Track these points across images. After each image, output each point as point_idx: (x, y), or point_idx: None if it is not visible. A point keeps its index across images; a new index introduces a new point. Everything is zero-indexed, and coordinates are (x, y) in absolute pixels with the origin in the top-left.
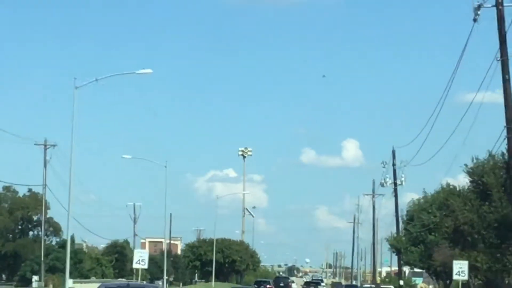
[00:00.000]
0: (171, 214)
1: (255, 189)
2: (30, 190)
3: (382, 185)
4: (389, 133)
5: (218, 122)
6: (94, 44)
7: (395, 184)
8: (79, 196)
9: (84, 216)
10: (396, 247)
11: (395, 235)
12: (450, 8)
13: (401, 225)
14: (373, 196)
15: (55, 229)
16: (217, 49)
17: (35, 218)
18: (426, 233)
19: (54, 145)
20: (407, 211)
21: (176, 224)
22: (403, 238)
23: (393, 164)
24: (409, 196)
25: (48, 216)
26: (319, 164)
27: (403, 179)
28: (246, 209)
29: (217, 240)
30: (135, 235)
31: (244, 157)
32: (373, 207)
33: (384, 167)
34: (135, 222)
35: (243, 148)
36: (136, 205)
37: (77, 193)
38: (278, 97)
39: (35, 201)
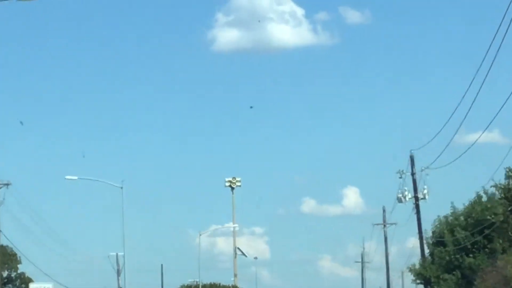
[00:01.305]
0: (162, 265)
1: (257, 242)
2: None
3: (399, 200)
4: (389, 178)
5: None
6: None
7: (416, 198)
8: (49, 244)
9: (60, 270)
10: (424, 277)
11: (421, 262)
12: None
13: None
14: (384, 226)
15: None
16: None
17: (4, 274)
18: (463, 255)
19: (7, 184)
20: (433, 232)
21: (175, 279)
22: (432, 265)
23: (412, 174)
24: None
25: (19, 271)
26: (320, 213)
27: (425, 191)
28: (238, 248)
29: (204, 286)
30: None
31: (232, 188)
32: (385, 238)
33: (401, 177)
34: (118, 274)
35: (230, 178)
36: (119, 255)
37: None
38: (276, 148)
39: (3, 255)
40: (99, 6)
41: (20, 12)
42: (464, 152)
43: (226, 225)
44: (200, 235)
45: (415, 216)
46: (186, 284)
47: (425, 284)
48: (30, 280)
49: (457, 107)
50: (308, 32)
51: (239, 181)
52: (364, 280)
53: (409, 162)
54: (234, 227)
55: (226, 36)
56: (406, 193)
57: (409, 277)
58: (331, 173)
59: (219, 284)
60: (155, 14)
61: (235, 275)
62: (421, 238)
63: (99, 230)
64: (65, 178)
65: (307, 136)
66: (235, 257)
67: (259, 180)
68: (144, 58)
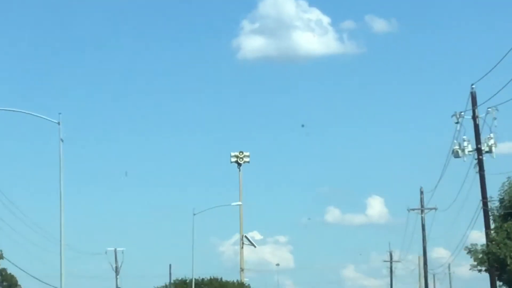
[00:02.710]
0: (170, 265)
1: (281, 251)
2: None
3: (455, 154)
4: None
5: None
6: None
7: (479, 151)
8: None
9: (46, 265)
10: (497, 258)
11: (494, 237)
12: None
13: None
14: (422, 212)
15: (11, 283)
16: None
17: None
18: None
19: None
20: (500, 201)
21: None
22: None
23: (474, 117)
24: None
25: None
26: (344, 222)
27: (491, 142)
28: (245, 236)
29: (203, 281)
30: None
31: (239, 164)
32: (423, 226)
33: (457, 122)
34: (117, 272)
35: (237, 153)
36: (118, 250)
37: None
38: (301, 156)
39: None
40: (125, 16)
41: None
42: None
43: (250, 233)
44: (194, 215)
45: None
46: (180, 278)
47: (498, 268)
48: (12, 277)
49: None
50: (334, 40)
51: (247, 156)
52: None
53: (469, 99)
54: (239, 205)
55: (252, 44)
56: (466, 144)
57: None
58: (355, 182)
59: (220, 278)
60: (181, 23)
61: (242, 270)
62: (485, 204)
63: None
64: None
65: (332, 144)
66: (242, 247)
67: (284, 189)
68: (169, 65)
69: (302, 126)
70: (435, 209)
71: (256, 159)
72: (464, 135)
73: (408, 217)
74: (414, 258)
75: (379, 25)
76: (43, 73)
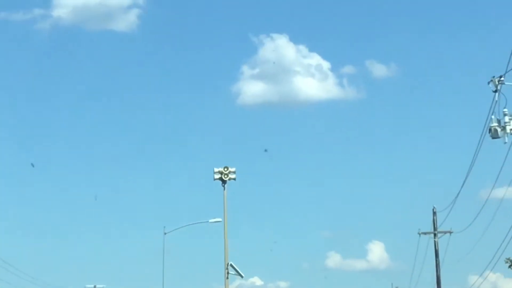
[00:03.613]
0: None
1: None
2: None
3: (493, 135)
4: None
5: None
6: None
7: None
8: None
9: None
10: None
11: None
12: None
13: None
14: (435, 236)
15: None
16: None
17: None
18: None
19: None
20: None
21: None
22: None
23: None
24: None
25: None
26: (345, 267)
27: None
28: (231, 265)
29: None
30: None
31: (223, 181)
32: (436, 252)
33: (495, 90)
34: None
35: (221, 169)
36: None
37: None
38: (301, 200)
39: None
40: (124, 60)
41: None
42: None
43: (250, 279)
44: (165, 234)
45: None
46: None
47: None
48: None
49: None
50: (334, 86)
51: (233, 172)
52: None
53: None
54: (218, 221)
55: (252, 89)
56: (507, 119)
57: None
58: (356, 227)
59: None
60: (179, 67)
61: None
62: None
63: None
64: None
65: (332, 190)
66: (227, 277)
67: (287, 236)
68: (167, 111)
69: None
70: (450, 232)
71: (256, 207)
72: (505, 107)
73: (419, 244)
74: None
75: (379, 70)
76: None
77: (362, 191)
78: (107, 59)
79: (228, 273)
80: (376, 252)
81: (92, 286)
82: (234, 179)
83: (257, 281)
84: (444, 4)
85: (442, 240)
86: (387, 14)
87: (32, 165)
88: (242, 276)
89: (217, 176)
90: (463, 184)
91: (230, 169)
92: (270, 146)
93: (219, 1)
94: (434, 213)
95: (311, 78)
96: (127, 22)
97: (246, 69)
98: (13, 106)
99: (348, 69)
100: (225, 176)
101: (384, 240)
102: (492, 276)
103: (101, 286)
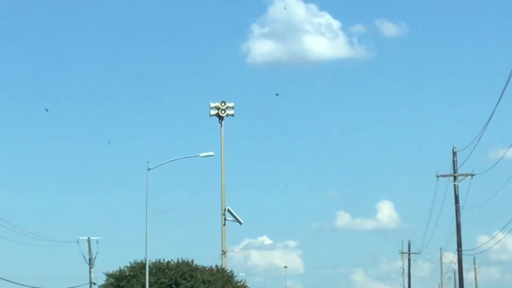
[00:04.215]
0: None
1: (291, 256)
2: None
3: None
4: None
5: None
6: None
7: None
8: None
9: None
10: None
11: None
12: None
13: None
14: (455, 178)
15: None
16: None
17: None
18: None
19: None
20: None
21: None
22: None
23: None
24: None
25: None
26: (354, 227)
27: None
28: (228, 210)
29: (168, 264)
30: (91, 283)
31: (220, 117)
32: (456, 196)
33: None
34: (90, 265)
35: (217, 103)
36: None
37: None
38: (310, 160)
39: None
40: (134, 20)
41: None
42: None
43: (259, 238)
44: (149, 170)
45: None
46: (139, 261)
47: None
48: None
49: None
50: (344, 44)
51: (231, 107)
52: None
53: None
54: (210, 155)
55: (261, 48)
56: None
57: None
58: (366, 187)
59: (191, 261)
60: (188, 26)
61: (224, 253)
62: None
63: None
64: None
65: (341, 149)
66: (224, 223)
67: (296, 193)
68: (176, 69)
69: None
70: (472, 175)
71: (269, 164)
72: None
73: (436, 190)
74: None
75: (389, 29)
76: None
77: (371, 150)
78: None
79: (225, 219)
80: (386, 211)
81: (86, 238)
82: (233, 115)
83: (266, 240)
84: None
85: (462, 184)
86: None
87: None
88: (240, 223)
89: (214, 111)
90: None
91: (228, 104)
92: (279, 105)
93: None
94: (454, 154)
95: (321, 37)
96: None
97: (255, 28)
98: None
99: (358, 28)
100: (222, 112)
101: (393, 199)
102: None
103: (95, 238)
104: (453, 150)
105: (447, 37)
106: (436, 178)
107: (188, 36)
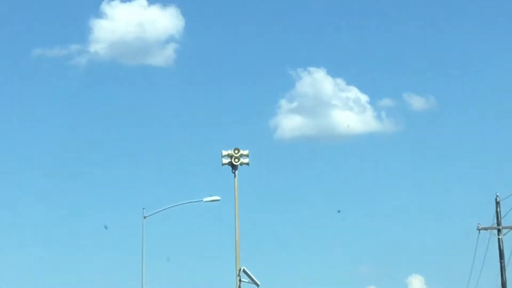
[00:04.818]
0: None
1: None
2: None
3: None
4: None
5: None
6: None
7: None
8: None
9: None
10: None
11: None
12: None
13: None
14: (499, 231)
15: None
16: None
17: None
18: None
19: None
20: None
21: None
22: None
23: None
24: None
25: None
26: None
27: None
28: (244, 270)
29: None
30: None
31: (233, 166)
32: (500, 251)
33: None
34: None
35: (230, 151)
36: None
37: None
38: (338, 234)
39: None
40: (161, 95)
41: None
42: None
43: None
44: (145, 217)
45: None
46: None
47: None
48: None
49: None
50: (372, 118)
51: (246, 155)
52: None
53: None
54: (216, 200)
55: (290, 123)
56: None
57: None
58: (395, 260)
59: None
60: (216, 102)
61: None
62: None
63: None
64: None
65: (370, 222)
66: (239, 285)
67: (324, 269)
68: (205, 144)
69: (338, 211)
70: None
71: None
72: None
73: (477, 244)
74: None
75: (417, 102)
76: None
77: (401, 223)
78: (144, 93)
79: (240, 280)
80: (416, 286)
81: None
82: (247, 163)
83: None
84: (479, 37)
85: (507, 237)
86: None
87: None
88: (258, 285)
89: (226, 160)
90: None
91: (242, 152)
92: (305, 178)
93: (256, 35)
94: (498, 203)
95: (349, 111)
96: (164, 56)
97: (284, 103)
98: (49, 145)
99: (386, 101)
100: (236, 160)
101: (423, 273)
102: None
103: None
104: (496, 199)
105: (475, 110)
106: (478, 231)
107: (215, 113)
